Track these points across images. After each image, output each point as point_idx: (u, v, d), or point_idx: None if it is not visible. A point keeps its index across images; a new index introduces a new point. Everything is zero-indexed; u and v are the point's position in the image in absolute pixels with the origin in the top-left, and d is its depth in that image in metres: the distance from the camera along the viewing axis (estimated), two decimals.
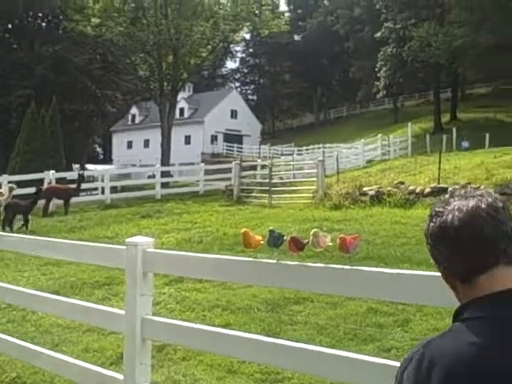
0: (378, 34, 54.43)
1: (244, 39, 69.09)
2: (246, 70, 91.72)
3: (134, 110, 65.46)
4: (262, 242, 3.25)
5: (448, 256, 1.44)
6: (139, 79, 41.09)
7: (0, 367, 5.34)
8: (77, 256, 4.88)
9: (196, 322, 4.60)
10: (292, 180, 23.88)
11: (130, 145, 65.98)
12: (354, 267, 2.83)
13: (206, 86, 79.25)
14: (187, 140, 60.04)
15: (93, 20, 35.53)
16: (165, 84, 37.35)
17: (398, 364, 1.51)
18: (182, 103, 57.70)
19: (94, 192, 25.86)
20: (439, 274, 1.53)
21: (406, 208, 14.32)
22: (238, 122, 64.12)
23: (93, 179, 28.25)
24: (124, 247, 3.86)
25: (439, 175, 16.73)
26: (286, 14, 63.87)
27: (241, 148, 56.41)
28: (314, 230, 3.05)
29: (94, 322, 4.82)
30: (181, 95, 48.01)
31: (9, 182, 18.95)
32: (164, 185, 26.49)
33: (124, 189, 27.11)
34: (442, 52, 44.19)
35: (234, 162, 23.71)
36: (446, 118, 52.61)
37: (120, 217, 16.56)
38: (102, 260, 4.60)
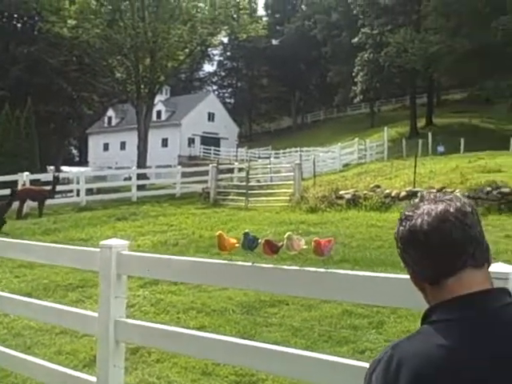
0: (355, 40, 54.85)
1: (222, 43, 69.24)
2: (223, 74, 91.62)
3: (110, 113, 65.05)
4: (236, 245, 3.24)
5: (417, 259, 1.45)
6: (116, 81, 40.84)
7: None
8: (50, 258, 4.83)
9: (171, 325, 4.57)
10: (269, 183, 23.88)
11: (106, 147, 65.52)
12: (328, 270, 2.83)
13: (184, 88, 79.01)
14: (164, 143, 59.85)
15: (69, 22, 35.17)
16: (142, 87, 37.16)
17: None
18: (159, 106, 57.52)
19: (69, 194, 25.60)
20: None
21: (382, 211, 14.42)
22: (216, 125, 64.08)
23: (68, 181, 28.00)
24: (98, 249, 3.83)
25: (415, 179, 16.88)
26: (264, 19, 64.21)
27: (218, 151, 56.37)
28: (288, 233, 3.06)
29: (66, 325, 4.78)
30: (158, 98, 47.85)
31: None
32: (140, 187, 26.34)
33: (100, 191, 26.88)
34: (418, 58, 44.70)
35: (210, 165, 23.66)
36: (421, 122, 53.19)
37: (95, 219, 16.41)
38: (75, 262, 4.55)
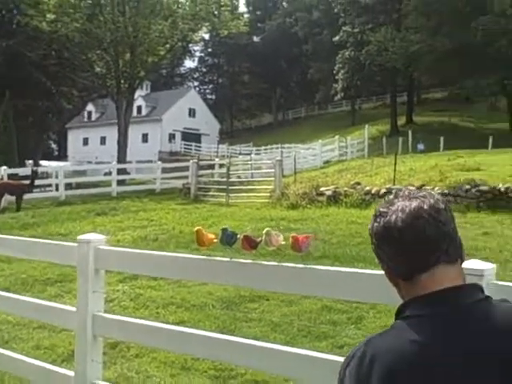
0: (337, 38, 55.06)
1: (203, 39, 69.06)
2: (204, 70, 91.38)
3: (90, 107, 64.58)
4: (215, 241, 3.24)
5: (391, 256, 1.46)
6: (96, 76, 40.46)
7: None
8: (28, 253, 4.79)
9: (150, 320, 4.56)
10: (250, 179, 23.89)
11: (85, 142, 65.04)
12: (307, 266, 2.85)
13: (164, 84, 78.71)
14: (145, 138, 59.57)
15: (48, 15, 34.74)
16: (122, 81, 36.86)
17: None
18: (139, 101, 57.19)
19: (47, 188, 25.31)
20: None
21: (362, 208, 14.48)
22: (197, 121, 63.90)
23: (47, 175, 27.70)
24: (76, 244, 3.81)
25: (395, 177, 17.01)
26: (245, 15, 64.13)
27: (199, 147, 56.18)
28: (267, 228, 3.07)
29: (44, 319, 4.75)
30: (138, 93, 47.54)
31: None
32: (120, 182, 26.19)
33: (79, 186, 26.62)
34: (398, 57, 44.98)
35: (191, 161, 23.61)
36: (402, 121, 53.55)
37: (74, 214, 16.28)
38: (53, 257, 4.53)
